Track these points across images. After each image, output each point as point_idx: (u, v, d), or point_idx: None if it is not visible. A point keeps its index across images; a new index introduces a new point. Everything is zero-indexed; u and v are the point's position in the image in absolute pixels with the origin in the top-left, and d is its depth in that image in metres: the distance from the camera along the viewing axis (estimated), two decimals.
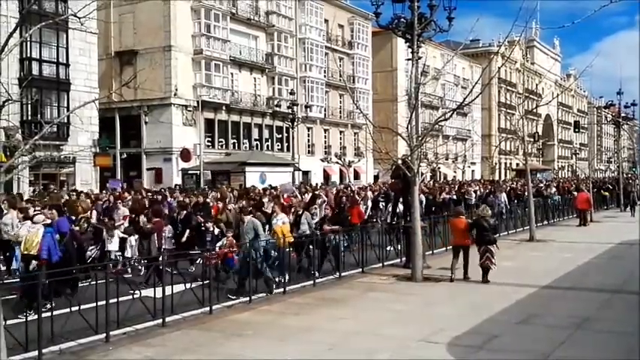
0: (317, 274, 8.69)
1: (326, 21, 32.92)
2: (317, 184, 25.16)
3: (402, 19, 9.23)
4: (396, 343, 5.60)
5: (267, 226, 9.26)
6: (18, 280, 7.21)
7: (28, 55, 19.73)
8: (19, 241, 7.63)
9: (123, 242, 9.46)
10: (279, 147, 30.97)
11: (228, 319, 6.67)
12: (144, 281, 7.56)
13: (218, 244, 8.67)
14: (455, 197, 17.91)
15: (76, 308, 5.85)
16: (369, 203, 14.96)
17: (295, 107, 26.50)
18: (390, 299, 7.61)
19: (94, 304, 5.87)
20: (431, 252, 10.99)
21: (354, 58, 36.46)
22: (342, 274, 9.08)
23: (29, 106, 19.60)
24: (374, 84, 38.60)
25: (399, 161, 9.82)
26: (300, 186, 20.57)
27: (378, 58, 39.39)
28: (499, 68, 31.31)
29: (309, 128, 33.22)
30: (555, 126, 66.02)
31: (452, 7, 9.12)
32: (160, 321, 6.36)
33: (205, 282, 7.24)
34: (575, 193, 19.88)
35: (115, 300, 6.00)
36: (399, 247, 10.88)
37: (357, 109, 21.61)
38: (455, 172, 45.65)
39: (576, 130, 44.28)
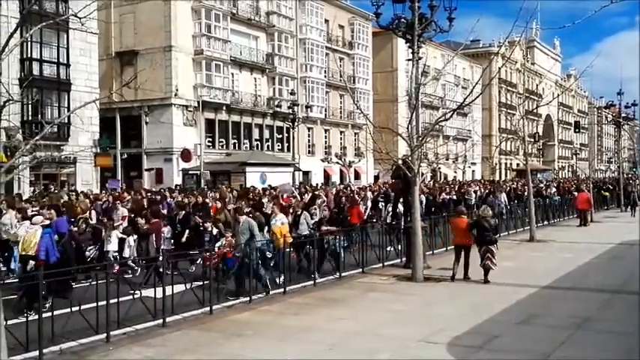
0: (316, 275, 8.68)
1: (326, 21, 32.93)
2: (317, 184, 25.17)
3: (403, 20, 9.23)
4: (396, 343, 5.60)
5: (266, 227, 9.26)
6: (17, 280, 7.19)
7: (29, 55, 19.76)
8: (17, 241, 7.64)
9: (122, 242, 9.46)
10: (280, 147, 30.98)
11: (228, 319, 6.68)
12: (143, 282, 7.56)
13: (217, 245, 8.67)
14: (455, 197, 17.91)
15: (77, 308, 5.86)
16: (369, 203, 14.96)
17: (296, 107, 26.51)
18: (390, 299, 7.61)
19: (95, 304, 5.88)
20: (431, 252, 10.99)
21: (355, 59, 36.47)
22: (342, 274, 9.08)
23: (30, 106, 19.60)
24: (374, 84, 38.60)
25: (400, 161, 9.82)
26: (300, 186, 20.58)
27: (378, 58, 39.39)
28: (499, 68, 31.34)
29: (309, 128, 33.23)
30: (556, 126, 65.99)
31: (452, 7, 9.13)
32: (161, 321, 6.36)
33: (205, 282, 7.25)
34: (576, 193, 19.87)
35: (116, 300, 6.00)
36: (399, 248, 10.88)
37: (358, 109, 21.65)
38: (455, 172, 45.64)
39: (577, 130, 44.29)
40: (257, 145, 29.63)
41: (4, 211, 9.41)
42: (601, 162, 72.84)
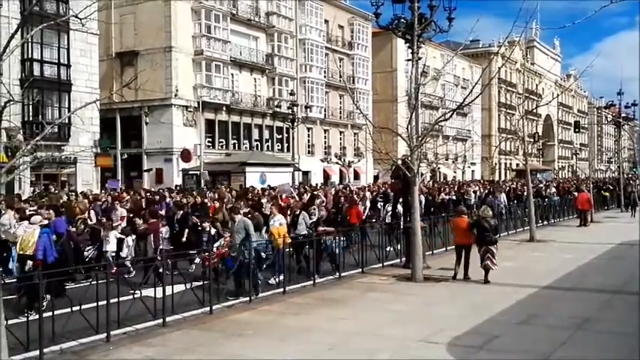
0: (315, 275, 8.67)
1: (326, 22, 32.94)
2: (317, 184, 25.17)
3: (402, 20, 9.24)
4: (396, 343, 5.60)
5: (265, 227, 9.25)
6: (16, 280, 7.19)
7: (30, 56, 19.78)
8: (16, 242, 7.64)
9: (121, 243, 9.46)
10: (280, 147, 30.99)
11: (228, 319, 6.68)
12: (143, 282, 7.56)
13: (216, 245, 8.67)
14: (454, 198, 17.91)
15: (77, 308, 5.87)
16: (368, 204, 14.96)
17: (295, 108, 26.52)
18: (390, 299, 7.61)
19: (95, 304, 5.89)
20: (431, 252, 11.00)
21: (354, 59, 36.48)
22: (342, 274, 9.08)
23: (30, 106, 19.62)
24: (374, 84, 38.61)
25: (399, 161, 9.83)
26: (299, 186, 20.59)
27: (378, 58, 39.40)
28: (499, 68, 31.35)
29: (309, 129, 33.24)
30: (555, 126, 65.96)
31: (452, 7, 9.14)
32: (161, 321, 6.37)
33: (205, 282, 7.26)
34: (576, 193, 19.87)
35: (116, 300, 6.01)
36: (399, 247, 10.89)
37: (357, 109, 21.64)
38: (455, 172, 45.65)
39: (576, 130, 44.25)
40: (257, 145, 29.64)
41: (3, 212, 9.41)
42: (601, 162, 72.85)
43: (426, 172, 19.59)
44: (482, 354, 5.29)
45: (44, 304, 5.86)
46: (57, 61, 20.59)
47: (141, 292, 6.62)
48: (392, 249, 11.09)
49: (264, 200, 12.39)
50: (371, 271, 9.52)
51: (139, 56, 25.66)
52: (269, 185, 18.89)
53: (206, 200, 12.11)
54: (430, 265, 9.67)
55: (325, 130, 34.91)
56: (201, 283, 7.47)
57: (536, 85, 49.59)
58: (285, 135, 30.49)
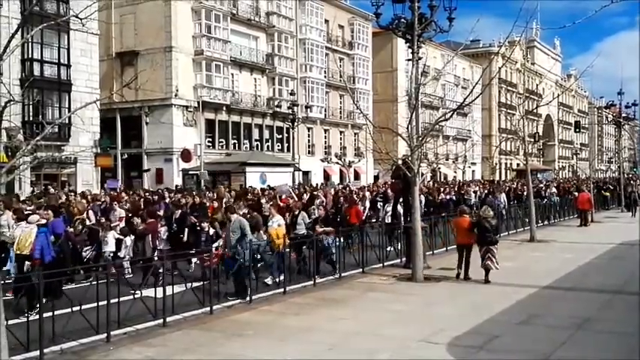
0: (315, 275, 8.66)
1: (326, 21, 32.94)
2: (317, 184, 25.17)
3: (403, 20, 9.23)
4: (396, 343, 5.60)
5: (264, 228, 9.23)
6: (16, 280, 7.18)
7: (30, 56, 19.77)
8: (14, 242, 7.63)
9: (120, 243, 9.45)
10: (280, 147, 30.99)
11: (228, 319, 6.68)
12: (143, 282, 7.55)
13: (214, 245, 8.65)
14: (454, 198, 17.91)
15: (77, 308, 5.87)
16: (367, 204, 14.96)
17: (295, 108, 26.52)
18: (391, 299, 7.61)
19: (95, 304, 5.89)
20: (431, 252, 10.99)
21: (355, 59, 36.47)
22: (343, 274, 9.08)
23: (31, 106, 19.63)
24: (374, 84, 38.61)
25: (400, 161, 9.82)
26: (299, 186, 20.58)
27: (378, 58, 39.40)
28: (499, 68, 31.39)
29: (309, 128, 33.24)
30: (556, 126, 65.98)
31: (452, 7, 9.13)
32: (161, 321, 6.37)
33: (205, 282, 7.26)
34: (576, 193, 19.86)
35: (116, 300, 6.01)
36: (399, 247, 10.89)
37: (358, 109, 21.65)
38: (455, 172, 45.64)
39: (577, 130, 44.29)
40: (257, 145, 29.64)
41: (1, 212, 9.39)
42: (601, 162, 72.84)
43: (427, 172, 19.60)
44: (483, 354, 5.29)
45: (38, 305, 5.85)
46: (57, 61, 20.59)
47: (141, 293, 6.62)
48: (392, 249, 11.09)
49: (263, 201, 12.38)
50: (371, 271, 9.52)
51: (139, 56, 25.66)
52: (268, 185, 18.89)
53: (204, 200, 12.10)
54: (430, 265, 9.67)
55: (325, 130, 34.90)
56: (201, 283, 7.47)
57: (537, 85, 49.61)
58: (286, 135, 30.48)
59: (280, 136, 31.02)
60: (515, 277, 8.82)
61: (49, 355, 5.37)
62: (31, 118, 19.49)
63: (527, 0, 12.26)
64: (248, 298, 7.48)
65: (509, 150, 43.52)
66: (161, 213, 10.68)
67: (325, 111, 33.99)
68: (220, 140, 27.59)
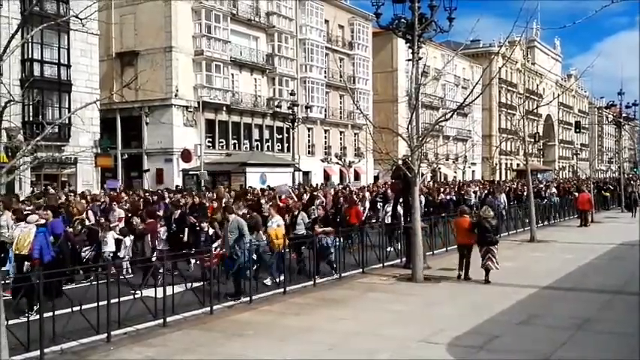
0: (315, 275, 8.65)
1: (326, 22, 32.94)
2: (317, 184, 25.18)
3: (403, 20, 9.24)
4: (396, 343, 5.60)
5: (264, 228, 9.21)
6: (15, 281, 7.16)
7: (30, 56, 19.78)
8: (13, 242, 7.61)
9: (119, 243, 9.44)
10: (280, 147, 31.00)
11: (229, 319, 6.68)
12: (143, 283, 7.55)
13: (214, 245, 8.63)
14: (454, 198, 17.90)
15: (78, 308, 5.87)
16: (367, 204, 14.95)
17: (295, 108, 26.52)
18: (391, 300, 7.61)
19: (95, 304, 5.89)
20: (431, 252, 10.99)
21: (355, 59, 36.48)
22: (343, 274, 9.08)
23: (31, 107, 19.63)
24: (374, 84, 38.62)
25: (400, 162, 9.82)
26: (299, 187, 20.57)
27: (378, 58, 39.41)
28: (500, 68, 31.41)
29: (309, 129, 33.24)
30: (556, 126, 65.98)
31: (452, 7, 9.14)
32: (161, 321, 6.37)
33: (206, 282, 7.25)
34: (576, 193, 19.86)
35: (116, 300, 6.01)
36: (399, 247, 10.89)
37: (358, 109, 21.64)
38: (455, 172, 45.64)
39: (577, 130, 44.28)
40: (257, 145, 29.64)
41: (1, 213, 9.38)
42: (601, 162, 72.84)
43: (427, 173, 19.59)
44: (483, 354, 5.29)
45: (37, 305, 5.84)
46: (57, 62, 20.60)
47: (141, 293, 6.62)
48: (392, 249, 11.09)
49: (262, 201, 12.37)
50: (371, 272, 9.52)
51: (139, 56, 25.66)
52: (268, 186, 18.89)
53: (204, 201, 12.08)
54: (431, 266, 9.67)
55: (325, 131, 34.91)
56: (201, 283, 7.47)
57: (537, 85, 49.59)
58: (286, 135, 30.49)
59: (280, 137, 31.02)
60: (516, 278, 8.82)
61: (50, 355, 5.37)
62: (31, 119, 19.49)
63: (528, 0, 12.27)
64: (242, 299, 7.46)
65: (510, 150, 43.53)
66: (161, 213, 10.68)
67: (325, 111, 33.99)
68: (220, 140, 27.59)
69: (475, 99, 10.33)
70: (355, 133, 36.54)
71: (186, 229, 10.07)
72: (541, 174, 48.40)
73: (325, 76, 33.87)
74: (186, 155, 24.82)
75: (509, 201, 18.59)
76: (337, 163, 32.55)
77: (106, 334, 5.80)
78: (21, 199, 12.68)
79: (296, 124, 26.61)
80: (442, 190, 19.18)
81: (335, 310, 7.02)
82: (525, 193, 17.74)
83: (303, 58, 32.17)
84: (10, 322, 5.42)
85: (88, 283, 7.43)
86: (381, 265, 10.02)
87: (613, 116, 35.15)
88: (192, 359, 5.31)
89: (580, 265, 10.05)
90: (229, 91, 27.50)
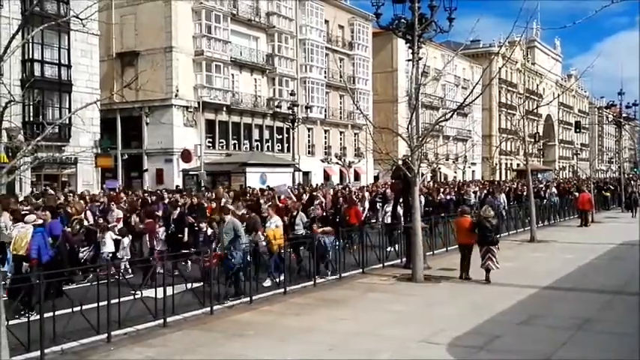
0: (315, 275, 8.64)
1: (326, 22, 32.95)
2: (317, 184, 25.18)
3: (403, 20, 9.24)
4: (396, 343, 5.60)
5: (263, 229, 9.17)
6: (13, 281, 7.14)
7: (30, 56, 19.79)
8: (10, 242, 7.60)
9: (118, 244, 9.42)
10: (280, 148, 31.00)
11: (229, 320, 6.68)
12: (144, 283, 7.54)
13: (213, 246, 8.61)
14: (454, 198, 17.90)
15: (78, 308, 5.87)
16: (367, 204, 14.95)
17: (295, 108, 26.53)
18: (391, 300, 7.62)
19: (96, 305, 5.89)
20: (431, 253, 10.99)
21: (355, 59, 36.48)
22: (343, 274, 9.08)
23: (31, 107, 19.63)
24: (374, 85, 38.62)
25: (400, 162, 9.83)
26: (299, 187, 20.57)
27: (378, 58, 39.41)
28: (500, 69, 31.39)
29: (309, 129, 33.24)
30: (556, 126, 65.97)
31: (452, 7, 9.14)
32: (161, 321, 6.37)
33: (206, 283, 7.26)
34: (577, 193, 19.86)
35: (117, 300, 6.01)
36: (397, 247, 10.88)
37: (358, 109, 21.63)
38: (455, 172, 45.64)
39: (577, 130, 44.27)
40: (257, 145, 29.65)
41: None
42: (602, 162, 72.82)
43: (427, 173, 19.57)
44: (483, 354, 5.29)
45: (37, 305, 5.82)
46: (57, 62, 20.60)
47: (142, 293, 6.62)
48: (392, 249, 11.08)
49: (262, 201, 12.35)
50: (371, 272, 9.52)
51: (139, 56, 25.67)
52: (268, 186, 18.90)
53: (202, 201, 12.06)
54: (431, 266, 9.67)
55: (325, 131, 34.91)
56: (201, 283, 7.47)
57: (537, 85, 49.59)
58: (286, 135, 30.49)
59: (280, 137, 31.03)
60: (516, 278, 8.82)
61: (50, 355, 5.38)
62: (31, 119, 19.50)
63: (528, 0, 12.27)
64: (242, 298, 7.44)
65: (510, 150, 43.52)
66: (160, 213, 10.68)
67: (325, 111, 33.99)
68: (220, 141, 27.60)
69: (475, 99, 10.33)
70: (355, 134, 36.54)
71: (186, 229, 10.07)
72: (541, 174, 48.38)
73: (325, 77, 33.87)
74: (186, 155, 24.83)
75: (509, 201, 18.59)
76: (337, 163, 32.56)
77: (106, 335, 5.80)
78: (20, 199, 12.65)
79: (296, 124, 26.62)
80: (442, 190, 19.17)
81: (335, 311, 7.02)
82: (525, 193, 17.74)
83: (303, 59, 32.17)
84: (11, 322, 5.42)
85: (89, 284, 7.43)
86: (381, 265, 10.02)
87: (613, 116, 35.15)
88: (193, 359, 5.31)
89: (580, 265, 10.05)
90: (229, 92, 27.50)
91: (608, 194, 24.59)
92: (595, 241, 12.99)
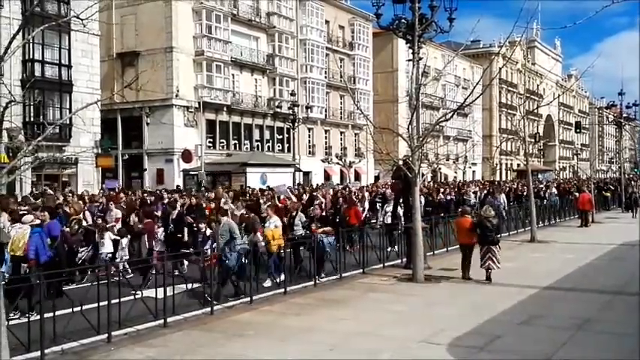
0: (316, 275, 8.63)
1: (327, 22, 32.96)
2: (317, 184, 25.19)
3: (403, 20, 9.25)
4: (397, 343, 5.61)
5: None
6: (13, 282, 7.11)
7: (31, 56, 19.80)
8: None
9: (116, 244, 9.40)
10: (280, 148, 31.01)
11: (229, 320, 6.69)
12: (143, 284, 7.54)
13: (214, 246, 8.62)
14: (454, 198, 17.89)
15: (78, 309, 5.88)
16: (366, 204, 14.94)
17: (296, 108, 26.54)
18: (391, 300, 7.62)
19: (96, 305, 5.90)
20: (432, 253, 10.99)
21: (355, 59, 36.49)
22: (343, 274, 9.08)
23: (32, 107, 19.64)
24: (374, 85, 38.63)
25: (400, 162, 9.83)
26: (299, 187, 20.57)
27: (378, 59, 39.42)
28: (500, 69, 31.42)
29: (309, 129, 33.25)
30: (556, 126, 65.96)
31: (453, 7, 9.15)
32: (162, 321, 6.37)
33: (206, 283, 7.26)
34: (577, 194, 19.85)
35: (117, 300, 6.02)
36: (397, 248, 10.87)
37: (358, 109, 21.66)
38: (456, 172, 45.64)
39: (577, 130, 44.25)
40: (257, 145, 29.66)
41: None
42: (602, 162, 72.82)
43: (427, 173, 19.60)
44: (484, 354, 5.29)
45: (36, 305, 5.81)
46: (58, 62, 20.62)
47: (142, 293, 6.63)
48: (392, 249, 11.08)
49: (261, 201, 12.35)
50: (372, 272, 9.52)
51: (139, 57, 25.68)
52: (268, 186, 18.89)
53: (201, 201, 12.03)
54: (431, 266, 9.67)
55: (326, 131, 34.92)
56: (201, 284, 7.47)
57: (537, 86, 49.59)
58: (286, 135, 30.50)
59: (281, 137, 31.04)
60: (516, 278, 8.82)
61: (50, 355, 5.38)
62: (32, 119, 19.51)
63: (528, 0, 12.26)
64: (242, 298, 7.42)
65: (510, 150, 43.53)
66: (159, 214, 10.67)
67: (326, 111, 34.00)
68: (221, 141, 27.61)
69: (475, 99, 10.32)
70: (356, 134, 36.55)
71: (185, 229, 10.06)
72: (542, 174, 48.39)
73: (325, 77, 33.88)
74: (186, 155, 24.84)
75: (509, 201, 18.57)
76: (338, 163, 32.57)
77: (106, 335, 5.80)
78: (18, 199, 12.62)
79: (296, 124, 26.63)
80: (442, 190, 19.17)
81: (336, 311, 7.02)
82: (525, 193, 17.73)
83: (304, 59, 32.18)
84: (11, 322, 5.44)
85: (89, 284, 7.43)
86: (382, 265, 10.02)
87: (613, 116, 35.13)
88: (193, 359, 5.31)
89: (580, 265, 10.05)
90: (230, 92, 27.51)
91: (609, 194, 24.58)
92: (595, 242, 12.99)
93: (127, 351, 5.54)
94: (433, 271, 9.39)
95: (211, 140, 27.10)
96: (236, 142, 28.42)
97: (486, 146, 50.00)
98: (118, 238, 9.34)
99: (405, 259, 10.09)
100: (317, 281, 8.56)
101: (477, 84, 12.91)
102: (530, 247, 12.61)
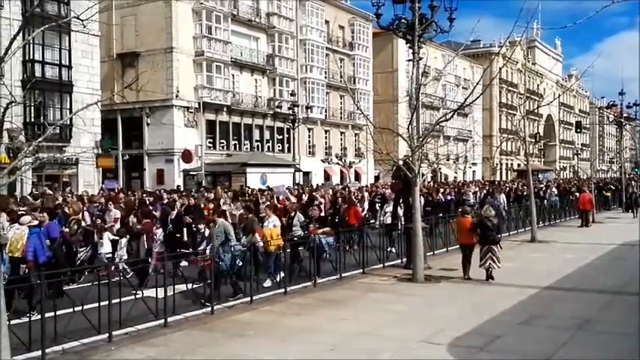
0: (316, 275, 8.64)
1: (327, 22, 32.97)
2: (317, 184, 25.20)
3: (403, 20, 9.26)
4: (397, 343, 5.61)
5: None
6: (12, 282, 7.10)
7: (31, 57, 19.82)
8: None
9: (115, 244, 9.40)
10: (280, 148, 31.02)
11: (229, 320, 6.69)
12: (144, 285, 7.54)
13: (209, 247, 8.60)
14: (454, 198, 17.87)
15: (79, 308, 5.89)
16: (366, 205, 14.93)
17: (296, 108, 26.55)
18: (391, 300, 7.62)
19: (97, 305, 5.90)
20: (432, 253, 11.00)
21: (355, 59, 36.51)
22: (343, 274, 9.08)
23: (32, 108, 19.66)
24: (374, 85, 38.64)
25: (400, 162, 9.84)
26: (298, 187, 20.57)
27: (378, 59, 39.43)
28: (500, 69, 31.45)
29: (309, 129, 33.26)
30: (557, 126, 65.95)
31: (453, 7, 9.16)
32: (162, 321, 6.38)
33: (207, 282, 7.27)
34: (577, 194, 19.85)
35: (118, 300, 6.03)
36: (396, 248, 10.88)
37: (358, 109, 21.68)
38: (456, 172, 45.64)
39: (578, 130, 44.24)
40: (257, 146, 29.67)
41: None
42: (602, 162, 72.79)
43: (427, 173, 19.60)
44: (484, 354, 5.30)
45: (34, 305, 5.82)
46: (58, 63, 20.63)
47: (142, 293, 6.64)
48: (392, 249, 11.08)
49: (261, 201, 12.34)
50: (372, 272, 9.52)
51: (140, 57, 25.70)
52: (267, 186, 18.90)
53: (200, 202, 12.02)
54: (431, 266, 9.68)
55: (326, 131, 34.93)
56: (201, 284, 7.47)
57: (538, 86, 49.59)
58: (286, 135, 30.51)
59: (281, 137, 31.05)
60: (516, 278, 8.82)
61: (51, 355, 5.39)
62: (32, 120, 19.52)
63: (528, 0, 12.27)
64: (242, 298, 7.42)
65: (510, 150, 43.55)
66: (157, 214, 10.66)
67: (326, 111, 34.01)
68: (221, 141, 27.62)
69: (475, 99, 10.33)
70: (356, 134, 36.56)
71: (185, 229, 10.06)
72: (542, 174, 48.37)
73: (325, 77, 33.89)
74: (186, 156, 24.85)
75: (509, 201, 18.57)
76: (338, 163, 32.58)
77: (107, 334, 5.81)
78: (19, 199, 12.62)
79: (296, 124, 26.64)
80: (442, 190, 19.16)
81: (336, 311, 7.02)
82: (525, 193, 17.72)
83: (304, 59, 32.19)
84: (12, 322, 5.43)
85: (89, 284, 7.44)
86: (382, 265, 10.02)
87: (614, 116, 35.15)
88: (194, 359, 5.32)
89: (581, 265, 10.05)
90: (230, 92, 27.53)
91: (609, 194, 24.58)
92: (595, 242, 12.99)
93: (127, 350, 5.54)
94: (433, 271, 9.40)
95: (211, 140, 27.11)
96: (236, 142, 28.43)
97: (486, 146, 50.00)
98: (117, 238, 9.35)
99: (404, 259, 10.09)
100: (316, 281, 8.57)
101: (477, 84, 12.91)
102: (531, 247, 12.61)
